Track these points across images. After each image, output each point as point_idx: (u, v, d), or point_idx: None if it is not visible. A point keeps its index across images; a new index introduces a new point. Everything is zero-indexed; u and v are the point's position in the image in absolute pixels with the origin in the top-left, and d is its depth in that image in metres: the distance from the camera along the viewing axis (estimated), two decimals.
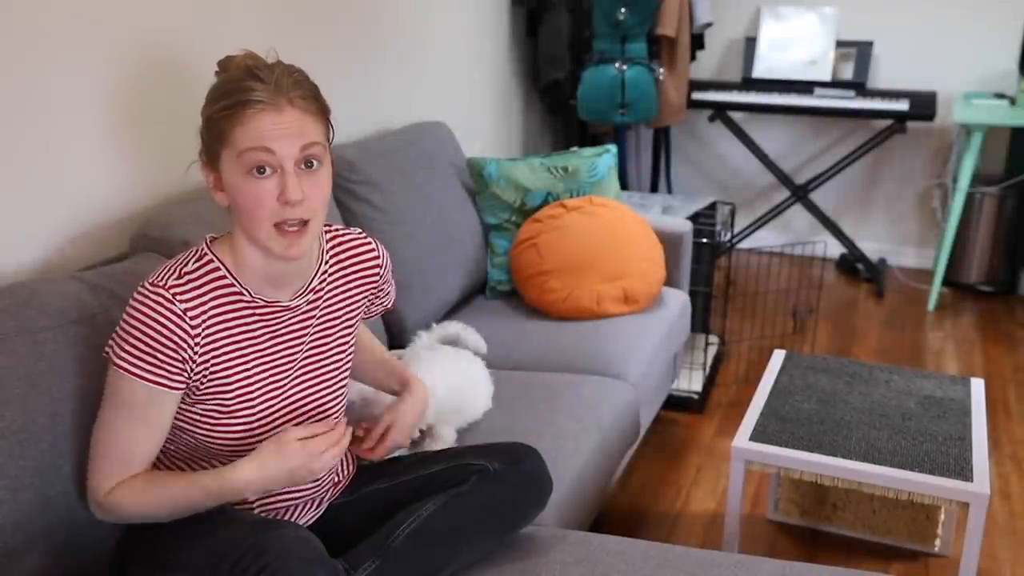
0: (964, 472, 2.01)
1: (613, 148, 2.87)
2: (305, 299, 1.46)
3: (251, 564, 1.24)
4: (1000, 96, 4.07)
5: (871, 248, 4.62)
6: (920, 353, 3.60)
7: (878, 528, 2.42)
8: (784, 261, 4.63)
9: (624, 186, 4.36)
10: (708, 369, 3.28)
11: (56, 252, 1.80)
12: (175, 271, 1.36)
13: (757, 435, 2.15)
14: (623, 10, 3.70)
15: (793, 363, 2.51)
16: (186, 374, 1.35)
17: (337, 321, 1.53)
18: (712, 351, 3.42)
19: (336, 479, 1.62)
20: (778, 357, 2.54)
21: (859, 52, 4.24)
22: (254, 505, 1.49)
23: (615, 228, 2.63)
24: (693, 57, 4.21)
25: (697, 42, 4.25)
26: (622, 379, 2.33)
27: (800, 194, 4.40)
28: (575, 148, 2.90)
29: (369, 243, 1.59)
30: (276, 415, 1.46)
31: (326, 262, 1.52)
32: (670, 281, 2.86)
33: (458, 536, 1.50)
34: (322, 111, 1.36)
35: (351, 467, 1.67)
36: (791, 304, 4.07)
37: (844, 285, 4.36)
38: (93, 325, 1.50)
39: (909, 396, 2.33)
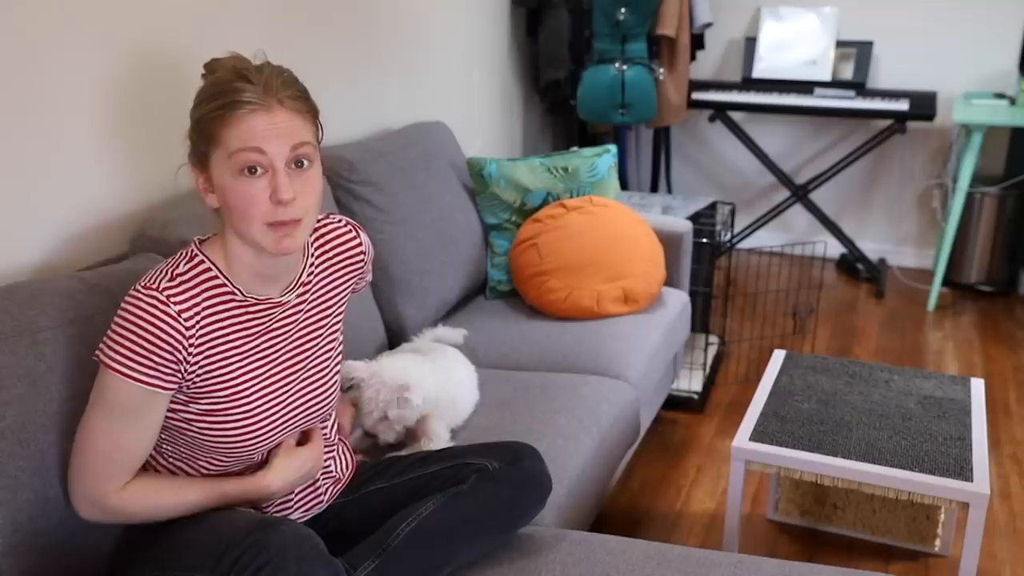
0: (964, 472, 2.01)
1: (613, 148, 2.86)
2: (295, 293, 1.48)
3: (250, 561, 1.24)
4: (1000, 96, 4.07)
5: (871, 248, 4.62)
6: (920, 353, 3.60)
7: (878, 528, 2.42)
8: (784, 261, 4.63)
9: (624, 186, 4.37)
10: (708, 369, 3.28)
11: (56, 252, 1.80)
12: (167, 273, 1.36)
13: (757, 435, 2.15)
14: (623, 10, 3.70)
15: (793, 363, 2.51)
16: (180, 375, 1.36)
17: (326, 312, 1.55)
18: (712, 351, 3.42)
19: (336, 476, 1.63)
20: (778, 357, 2.54)
21: (859, 52, 4.24)
22: (268, 507, 1.51)
23: (615, 228, 2.63)
24: (693, 57, 4.21)
25: (697, 42, 4.25)
26: (622, 379, 2.33)
27: (800, 194, 4.40)
28: (575, 148, 2.90)
29: (351, 231, 1.59)
30: (272, 410, 1.46)
31: (312, 254, 1.53)
32: (670, 281, 2.86)
33: (457, 535, 1.50)
34: (311, 111, 1.37)
35: (350, 466, 1.67)
36: (791, 304, 4.07)
37: (844, 285, 4.36)
38: (93, 325, 1.50)
39: (909, 396, 2.33)
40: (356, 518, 1.60)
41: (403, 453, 1.82)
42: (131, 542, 1.46)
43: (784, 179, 4.42)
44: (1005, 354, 3.60)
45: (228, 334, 1.40)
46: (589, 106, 3.81)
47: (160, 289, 1.33)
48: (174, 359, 1.34)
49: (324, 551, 1.31)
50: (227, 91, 1.30)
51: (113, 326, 1.33)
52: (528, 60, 4.04)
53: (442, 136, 2.84)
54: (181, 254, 1.40)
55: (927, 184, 4.45)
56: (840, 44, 4.29)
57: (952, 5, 4.20)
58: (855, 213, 4.63)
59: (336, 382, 1.58)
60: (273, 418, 1.46)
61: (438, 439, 1.89)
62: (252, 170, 1.30)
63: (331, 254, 1.56)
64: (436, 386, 1.92)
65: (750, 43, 4.40)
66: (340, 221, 1.59)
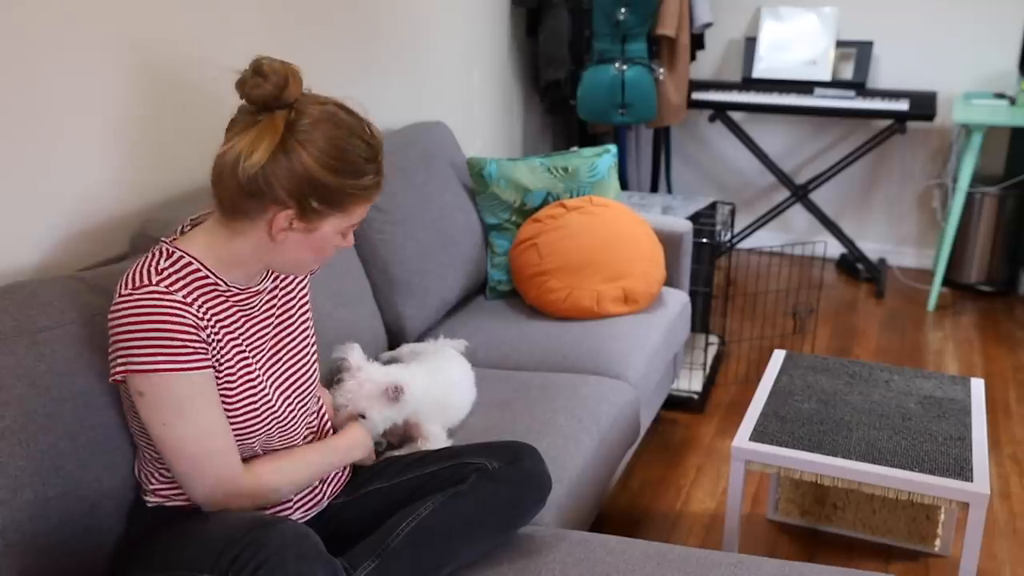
0: (964, 472, 2.01)
1: (613, 148, 2.86)
2: (270, 280, 1.52)
3: (249, 559, 1.24)
4: (1000, 96, 4.07)
5: (871, 248, 4.62)
6: (920, 353, 3.60)
7: (878, 528, 2.42)
8: (784, 261, 4.63)
9: (624, 186, 4.36)
10: (708, 369, 3.28)
11: (56, 252, 1.80)
12: (148, 272, 1.36)
13: (757, 435, 2.15)
14: (623, 10, 3.70)
15: (793, 363, 2.51)
16: (208, 353, 1.37)
17: (293, 293, 1.59)
18: (712, 351, 3.42)
19: (334, 474, 1.63)
20: (778, 357, 2.54)
21: (859, 52, 4.24)
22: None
23: (615, 228, 2.63)
24: (693, 57, 4.21)
25: (697, 42, 4.25)
26: (622, 379, 2.33)
27: (800, 194, 4.40)
28: (575, 148, 2.90)
29: None
30: (274, 396, 1.48)
31: None
32: (670, 281, 2.86)
33: (457, 535, 1.50)
34: None
35: (347, 466, 1.67)
36: (791, 304, 4.07)
37: (844, 285, 4.36)
38: (93, 325, 1.50)
39: (909, 396, 2.33)
40: (356, 518, 1.60)
41: (399, 453, 1.83)
42: (132, 541, 1.46)
43: (784, 179, 4.42)
44: (1005, 354, 3.60)
45: (224, 321, 1.42)
46: (589, 106, 3.81)
47: (155, 283, 1.34)
48: (198, 339, 1.35)
49: (323, 550, 1.31)
50: (364, 171, 1.39)
51: (121, 337, 1.32)
52: (528, 60, 4.04)
53: (442, 136, 2.84)
54: (154, 254, 1.40)
55: (927, 184, 4.45)
56: (840, 44, 4.29)
57: (952, 5, 4.20)
58: (855, 213, 4.63)
59: (317, 363, 1.62)
60: (274, 402, 1.48)
61: (434, 439, 1.89)
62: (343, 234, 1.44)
63: None
64: (423, 389, 1.90)
65: (750, 43, 4.40)
66: None
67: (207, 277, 1.41)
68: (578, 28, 3.88)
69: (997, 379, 3.39)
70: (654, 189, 4.50)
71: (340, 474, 1.65)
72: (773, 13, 4.36)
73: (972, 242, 4.13)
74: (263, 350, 1.49)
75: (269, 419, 1.47)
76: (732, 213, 3.52)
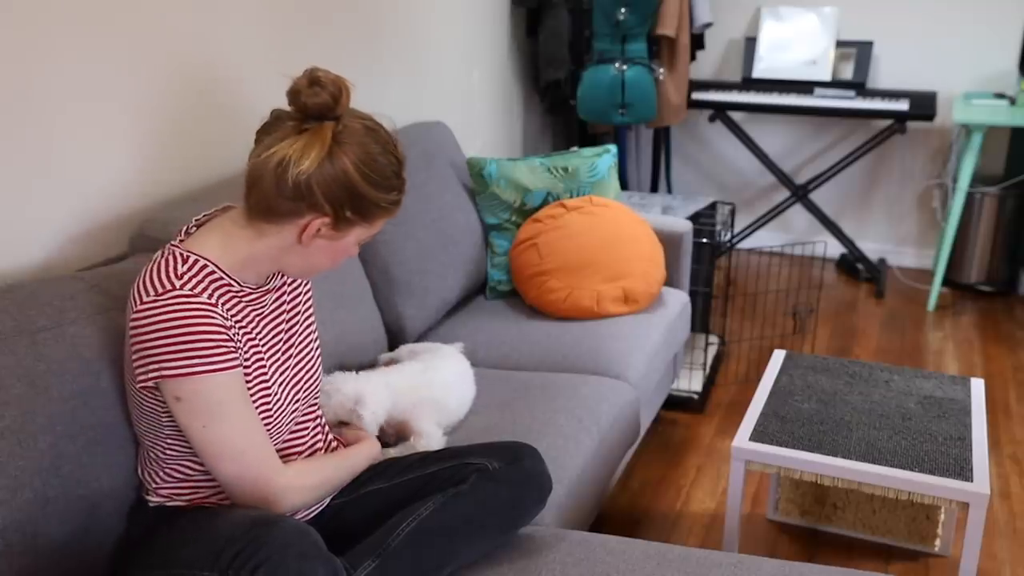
0: (964, 472, 2.01)
1: (613, 148, 2.86)
2: (278, 279, 1.54)
3: (250, 558, 1.24)
4: (1000, 96, 4.07)
5: (871, 248, 4.62)
6: (920, 353, 3.60)
7: (878, 528, 2.42)
8: (784, 261, 4.63)
9: (624, 186, 4.36)
10: (708, 369, 3.28)
11: (56, 252, 1.80)
12: (168, 276, 1.37)
13: (757, 435, 2.15)
14: (623, 10, 3.70)
15: (793, 363, 2.51)
16: (237, 352, 1.39)
17: (303, 295, 1.61)
18: (712, 351, 3.42)
19: None
20: (778, 357, 2.54)
21: (859, 52, 4.24)
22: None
23: (615, 228, 2.63)
24: (693, 57, 4.21)
25: (697, 42, 4.25)
26: (622, 379, 2.33)
27: (800, 194, 4.40)
28: (575, 148, 2.90)
29: None
30: (282, 396, 1.50)
31: None
32: (670, 281, 2.86)
33: (457, 535, 1.50)
34: None
35: None
36: (791, 304, 4.07)
37: (844, 285, 4.36)
38: (93, 325, 1.50)
39: (909, 396, 2.33)
40: (356, 518, 1.60)
41: (394, 451, 1.83)
42: (133, 541, 1.46)
43: (784, 179, 4.42)
44: (1005, 354, 3.60)
45: (241, 322, 1.44)
46: (589, 106, 3.81)
47: (179, 288, 1.35)
48: (228, 338, 1.37)
49: (323, 548, 1.31)
50: (394, 186, 1.43)
51: (151, 343, 1.32)
52: (528, 60, 4.04)
53: (442, 136, 2.84)
54: (167, 258, 1.40)
55: (927, 184, 4.45)
56: (840, 44, 4.29)
57: (952, 5, 4.20)
58: (855, 213, 4.63)
59: (320, 360, 1.64)
60: (289, 404, 1.50)
61: (429, 437, 1.89)
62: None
63: None
64: (407, 390, 1.91)
65: (750, 43, 4.40)
66: None
67: (222, 279, 1.42)
68: (578, 28, 3.88)
69: (997, 379, 3.39)
70: (654, 189, 4.50)
71: None
72: (773, 13, 4.36)
73: (972, 242, 4.13)
74: (275, 350, 1.51)
75: (279, 419, 1.48)
76: (732, 213, 3.52)
